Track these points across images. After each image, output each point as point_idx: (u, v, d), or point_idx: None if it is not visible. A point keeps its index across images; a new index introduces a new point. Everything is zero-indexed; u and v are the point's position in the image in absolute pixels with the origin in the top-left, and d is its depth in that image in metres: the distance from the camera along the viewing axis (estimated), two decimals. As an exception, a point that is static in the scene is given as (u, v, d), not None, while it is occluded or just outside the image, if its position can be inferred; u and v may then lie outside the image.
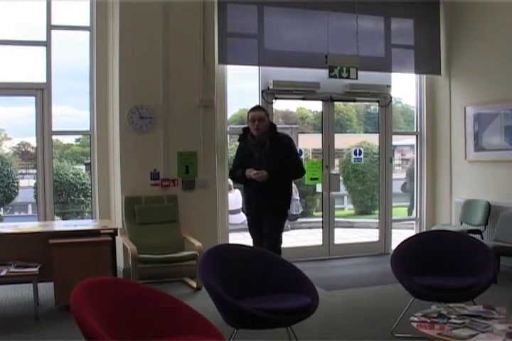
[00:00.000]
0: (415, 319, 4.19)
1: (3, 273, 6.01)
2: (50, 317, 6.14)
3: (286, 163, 6.62)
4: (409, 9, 9.66)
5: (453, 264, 5.63)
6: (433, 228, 8.99)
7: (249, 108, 6.91)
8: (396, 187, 10.48)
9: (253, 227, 6.85)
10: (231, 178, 7.42)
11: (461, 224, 9.08)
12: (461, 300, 4.97)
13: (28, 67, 8.57)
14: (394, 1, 9.46)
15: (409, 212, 12.82)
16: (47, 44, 8.23)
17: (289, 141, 6.83)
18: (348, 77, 8.83)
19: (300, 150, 10.09)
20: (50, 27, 8.22)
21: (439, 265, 5.64)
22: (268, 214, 6.62)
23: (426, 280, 5.33)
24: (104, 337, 3.19)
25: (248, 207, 6.87)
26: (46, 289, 6.57)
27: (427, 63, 9.88)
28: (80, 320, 3.27)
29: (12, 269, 6.13)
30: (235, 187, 11.29)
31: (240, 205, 8.14)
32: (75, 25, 8.51)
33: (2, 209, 12.06)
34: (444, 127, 9.92)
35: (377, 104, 9.89)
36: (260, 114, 6.67)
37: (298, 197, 13.33)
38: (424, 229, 9.86)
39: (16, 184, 11.79)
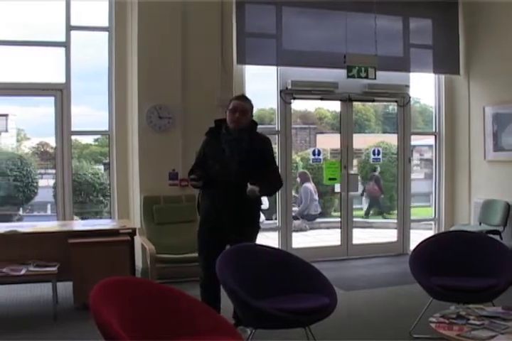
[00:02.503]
0: (434, 320, 4.18)
1: (23, 272, 6.05)
2: (68, 316, 6.18)
3: (264, 170, 5.45)
4: (428, 9, 9.62)
5: (472, 265, 5.60)
6: (452, 228, 8.96)
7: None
8: (415, 188, 10.41)
9: (210, 237, 5.53)
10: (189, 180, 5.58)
11: (480, 224, 9.04)
12: (480, 301, 4.95)
13: (47, 67, 8.63)
14: (412, 1, 9.41)
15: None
16: (66, 45, 8.27)
17: (270, 144, 5.82)
18: (366, 77, 8.81)
19: (318, 150, 10.10)
20: (69, 28, 8.25)
21: (458, 265, 5.60)
22: (237, 224, 5.43)
23: (444, 280, 5.31)
24: (123, 337, 3.21)
25: (208, 215, 5.60)
26: (65, 288, 6.60)
27: (445, 63, 9.84)
28: (99, 320, 3.29)
29: (31, 268, 6.17)
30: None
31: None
32: (93, 25, 8.55)
33: (21, 208, 12.14)
34: (463, 127, 9.87)
35: (396, 104, 9.87)
36: (245, 105, 5.50)
37: (317, 198, 13.34)
38: (442, 230, 9.82)
39: (35, 184, 11.87)
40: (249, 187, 5.23)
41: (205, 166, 5.52)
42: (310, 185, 13.26)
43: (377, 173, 14.64)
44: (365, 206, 15.41)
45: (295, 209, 12.14)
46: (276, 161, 6.08)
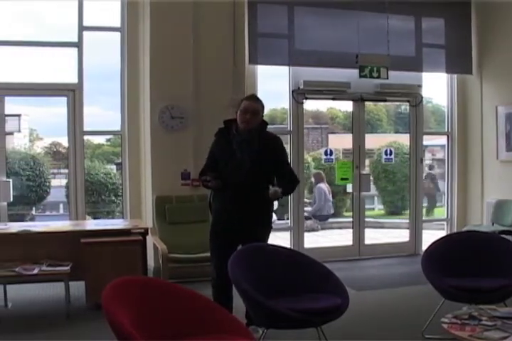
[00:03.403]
0: (446, 320, 4.16)
1: (35, 271, 6.07)
2: (81, 316, 6.20)
3: (276, 169, 5.50)
4: (440, 8, 9.58)
5: (484, 265, 5.58)
6: (464, 229, 8.92)
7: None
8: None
9: (223, 238, 5.48)
10: (201, 182, 5.63)
11: (493, 224, 9.00)
12: (492, 302, 4.93)
13: (59, 68, 8.66)
14: (425, 1, 9.39)
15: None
16: (78, 45, 8.30)
17: (282, 143, 5.71)
18: (378, 77, 8.80)
19: (330, 150, 10.09)
20: (81, 28, 8.28)
21: (470, 266, 5.58)
22: (249, 225, 5.41)
23: (457, 281, 5.28)
24: (136, 337, 3.21)
25: (220, 216, 5.56)
26: (77, 288, 6.62)
27: (458, 63, 9.81)
28: (111, 319, 3.30)
29: (44, 268, 6.18)
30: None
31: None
32: (106, 26, 8.58)
33: (34, 208, 12.20)
34: (476, 127, 9.84)
35: (408, 103, 9.85)
36: (256, 106, 5.45)
37: (331, 199, 13.34)
38: (455, 230, 9.79)
39: (47, 183, 11.94)
40: (272, 189, 5.26)
41: (215, 167, 5.49)
42: (324, 186, 13.26)
43: (433, 172, 14.74)
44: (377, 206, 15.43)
45: (307, 209, 12.14)
46: (288, 159, 5.95)
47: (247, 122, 5.37)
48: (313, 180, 13.44)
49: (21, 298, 6.87)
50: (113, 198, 11.83)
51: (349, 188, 9.68)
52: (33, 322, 5.99)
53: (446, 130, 10.24)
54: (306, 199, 11.23)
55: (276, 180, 5.49)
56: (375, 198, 15.72)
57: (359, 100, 9.42)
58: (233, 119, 5.53)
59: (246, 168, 5.32)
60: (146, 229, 6.91)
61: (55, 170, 12.89)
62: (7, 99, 8.17)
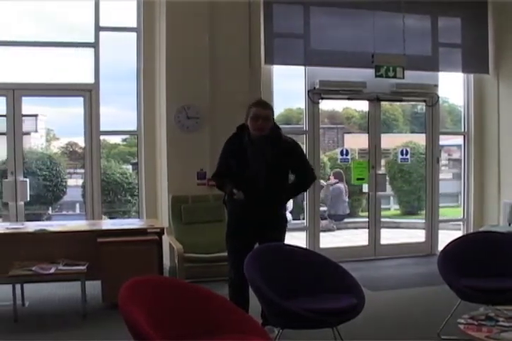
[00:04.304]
0: (462, 321, 4.14)
1: (52, 270, 6.10)
2: (97, 315, 6.23)
3: (296, 171, 5.56)
4: (457, 8, 9.54)
5: (501, 266, 5.55)
6: (481, 229, 8.88)
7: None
8: (443, 188, 10.35)
9: (239, 238, 5.46)
10: (217, 184, 5.69)
11: (510, 225, 8.94)
12: (509, 303, 4.89)
13: (76, 68, 8.69)
14: (441, 0, 9.35)
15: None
16: (95, 45, 8.34)
17: (297, 146, 5.65)
18: (394, 77, 8.77)
19: (346, 150, 10.08)
20: (98, 28, 8.32)
21: (487, 266, 5.56)
22: (265, 225, 5.40)
23: (473, 281, 5.26)
24: (153, 336, 3.22)
25: (236, 216, 5.54)
26: (93, 287, 6.64)
27: (474, 62, 9.76)
28: (128, 319, 3.31)
29: (60, 267, 6.22)
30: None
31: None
32: (122, 26, 8.61)
33: (50, 208, 12.24)
34: (492, 127, 9.79)
35: (424, 103, 9.81)
36: (266, 112, 5.35)
37: (347, 199, 13.32)
38: (471, 230, 9.75)
39: (64, 183, 11.97)
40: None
41: (229, 173, 5.46)
42: (342, 186, 13.25)
43: None
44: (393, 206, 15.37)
45: (323, 209, 12.13)
46: (307, 160, 5.78)
47: (259, 129, 5.30)
48: (332, 178, 13.42)
49: (38, 297, 6.91)
50: (129, 198, 11.85)
51: (365, 188, 9.65)
52: (49, 321, 6.03)
53: (462, 130, 10.20)
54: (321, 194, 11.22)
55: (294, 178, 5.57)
56: (391, 198, 15.67)
57: (375, 100, 9.39)
58: (246, 126, 5.45)
59: (262, 174, 5.29)
60: (162, 229, 6.93)
61: (72, 170, 12.93)
62: (24, 99, 8.22)
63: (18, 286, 6.26)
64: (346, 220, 13.50)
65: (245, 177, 5.32)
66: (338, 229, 13.09)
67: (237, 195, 5.24)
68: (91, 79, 8.38)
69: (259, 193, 5.29)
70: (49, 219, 11.61)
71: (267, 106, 5.44)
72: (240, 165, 5.37)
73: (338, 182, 13.40)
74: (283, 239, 5.56)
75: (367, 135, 9.61)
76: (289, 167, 5.47)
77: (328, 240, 10.61)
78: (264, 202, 5.30)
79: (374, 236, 9.51)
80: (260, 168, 5.30)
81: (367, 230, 9.66)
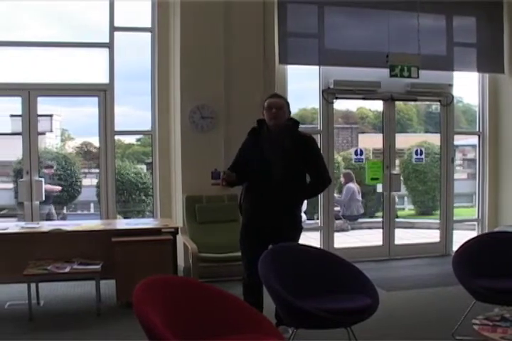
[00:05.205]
0: (477, 322, 4.14)
1: (67, 270, 6.13)
2: (111, 314, 6.26)
3: (309, 170, 5.50)
4: (472, 7, 9.51)
5: (516, 266, 5.54)
6: (495, 229, 8.86)
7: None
8: (457, 188, 10.32)
9: (253, 238, 5.46)
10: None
11: (525, 225, 8.94)
12: (524, 303, 4.90)
13: (91, 68, 8.73)
14: (456, 0, 9.33)
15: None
16: (110, 46, 8.36)
17: (314, 142, 5.67)
18: (409, 76, 8.74)
19: (360, 150, 10.07)
20: (112, 29, 8.34)
21: (502, 267, 5.53)
22: (279, 225, 5.39)
23: (488, 282, 5.23)
24: (168, 336, 3.23)
25: (251, 216, 5.54)
26: (108, 286, 6.67)
27: (489, 61, 9.73)
28: (142, 318, 3.32)
29: (75, 266, 6.25)
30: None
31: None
32: (136, 26, 8.63)
33: (65, 207, 12.30)
34: (508, 126, 9.75)
35: (439, 103, 9.78)
36: (279, 101, 5.44)
37: (360, 198, 13.30)
38: (486, 231, 9.72)
39: (78, 183, 12.06)
40: None
41: (239, 168, 5.48)
42: (353, 185, 13.23)
43: None
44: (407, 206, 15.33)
45: (337, 209, 12.12)
46: (322, 159, 5.65)
47: (274, 117, 5.36)
48: (342, 179, 13.40)
49: (53, 296, 6.95)
50: (143, 198, 11.90)
51: (379, 188, 9.63)
52: (64, 320, 6.05)
53: (477, 130, 10.16)
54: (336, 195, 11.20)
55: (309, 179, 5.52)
56: (405, 198, 15.64)
57: (389, 100, 9.37)
58: (264, 120, 5.50)
59: (277, 167, 5.28)
60: (177, 229, 6.95)
61: (86, 170, 13.01)
62: (39, 99, 8.26)
63: (33, 285, 6.29)
64: (360, 220, 13.48)
65: (260, 168, 5.34)
66: (353, 229, 13.07)
67: (226, 173, 5.38)
68: (105, 80, 8.40)
69: (274, 186, 5.28)
70: (64, 218, 11.68)
71: (279, 97, 5.58)
72: (255, 154, 5.41)
73: (348, 183, 13.37)
74: (297, 239, 5.54)
75: (381, 135, 9.58)
76: (305, 162, 5.42)
77: (342, 240, 10.59)
78: (278, 196, 5.29)
79: (388, 237, 9.49)
80: (276, 159, 5.31)
81: (381, 230, 9.64)
